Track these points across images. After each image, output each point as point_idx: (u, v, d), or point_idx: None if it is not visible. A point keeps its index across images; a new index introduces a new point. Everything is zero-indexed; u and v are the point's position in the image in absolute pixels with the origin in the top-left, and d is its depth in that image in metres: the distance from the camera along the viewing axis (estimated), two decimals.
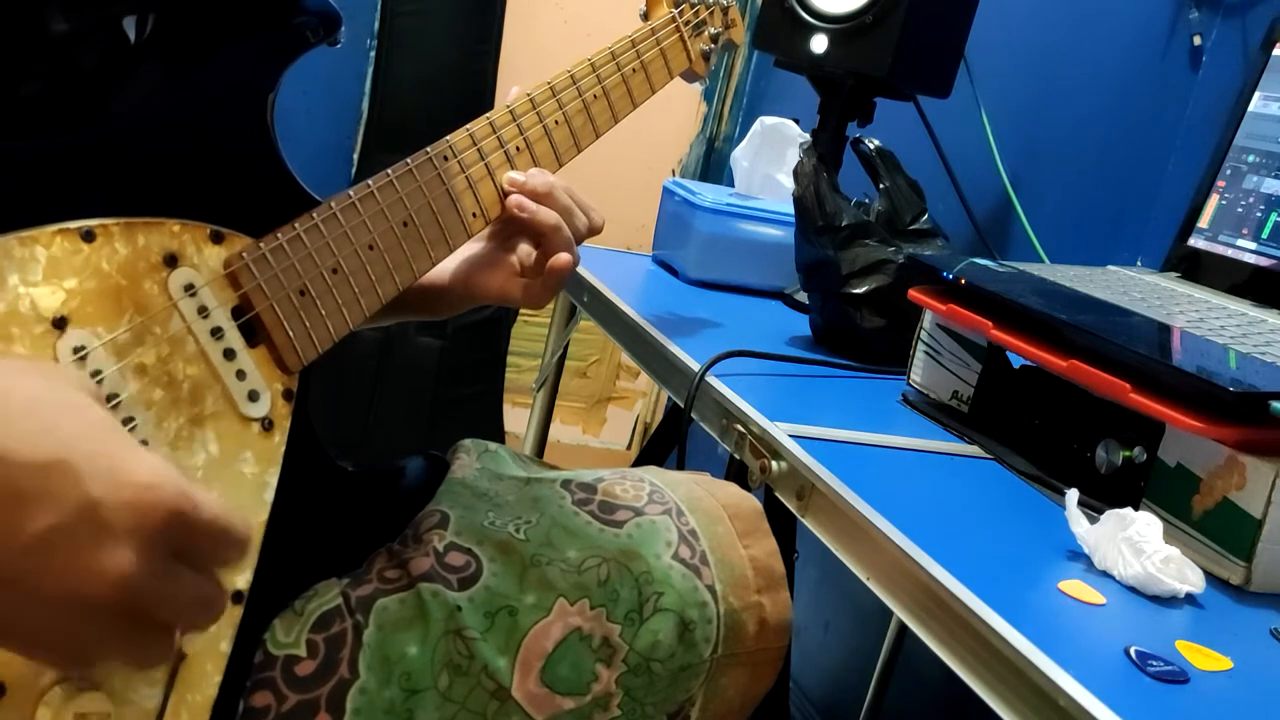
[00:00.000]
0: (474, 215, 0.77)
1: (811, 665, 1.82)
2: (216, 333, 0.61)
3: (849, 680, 1.73)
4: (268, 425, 0.63)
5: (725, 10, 1.07)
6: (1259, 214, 1.01)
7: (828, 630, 1.80)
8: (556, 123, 0.84)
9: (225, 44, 0.63)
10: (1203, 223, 1.05)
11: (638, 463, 1.60)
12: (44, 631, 0.43)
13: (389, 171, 0.71)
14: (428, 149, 0.74)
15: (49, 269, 0.54)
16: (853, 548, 0.75)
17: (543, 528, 0.73)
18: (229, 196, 0.62)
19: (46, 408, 0.43)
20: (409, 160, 0.72)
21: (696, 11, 1.03)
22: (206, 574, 0.46)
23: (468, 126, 0.78)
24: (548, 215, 0.79)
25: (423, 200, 0.72)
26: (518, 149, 0.80)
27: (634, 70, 0.93)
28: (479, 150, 0.77)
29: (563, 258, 0.79)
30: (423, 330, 2.06)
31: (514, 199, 0.79)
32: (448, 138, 0.76)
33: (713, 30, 1.05)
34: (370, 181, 0.69)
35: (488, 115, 0.79)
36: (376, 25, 1.94)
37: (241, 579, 0.61)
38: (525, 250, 0.81)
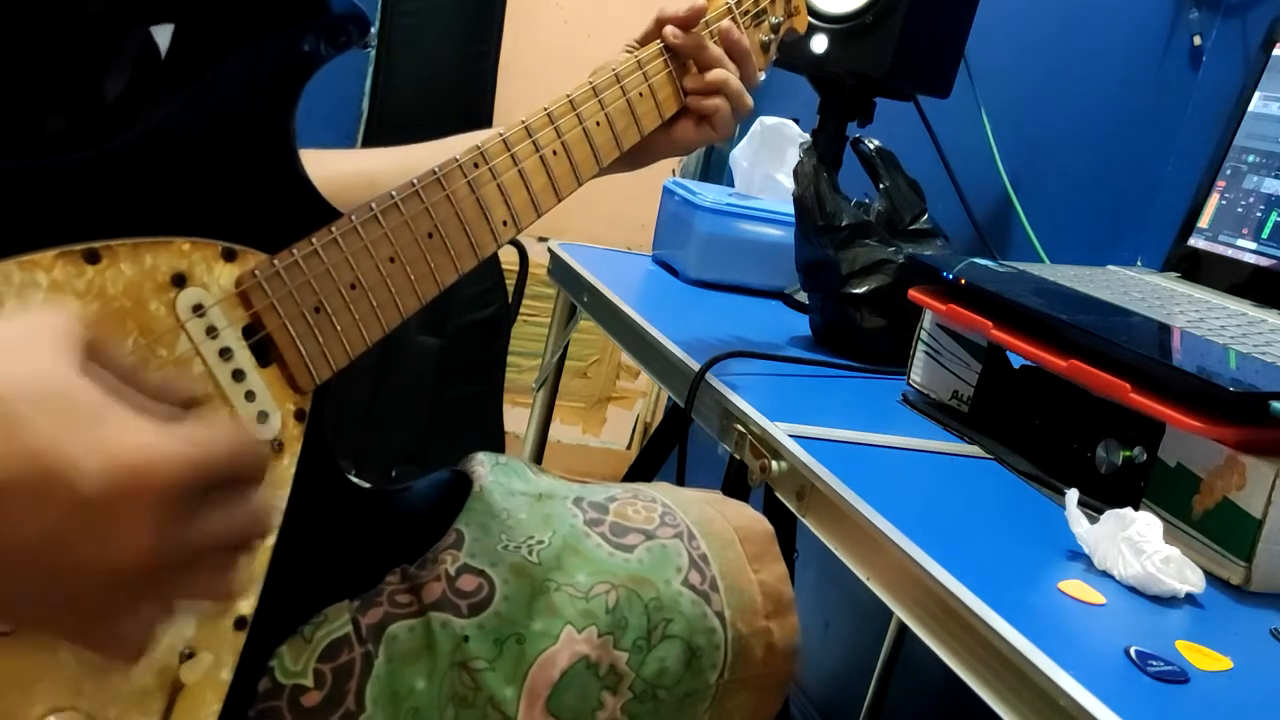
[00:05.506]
0: (504, 224, 0.73)
1: (811, 665, 1.82)
2: (225, 353, 0.58)
3: (849, 680, 1.73)
4: (277, 447, 0.61)
5: None
6: (1259, 214, 1.01)
7: (828, 630, 1.80)
8: (598, 124, 0.80)
9: (245, 56, 0.60)
10: (1203, 223, 1.05)
11: (637, 462, 1.60)
12: (96, 606, 0.43)
13: (414, 180, 0.66)
14: (457, 156, 0.69)
15: (50, 293, 0.52)
16: (853, 548, 0.75)
17: (554, 548, 0.72)
18: (245, 212, 0.59)
19: (10, 412, 0.41)
20: (436, 169, 0.68)
21: (756, 0, 0.96)
22: (236, 503, 0.46)
23: (499, 130, 0.73)
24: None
25: (449, 211, 0.68)
26: (554, 153, 0.76)
27: (684, 66, 0.88)
28: (513, 156, 0.73)
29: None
30: (422, 330, 2.06)
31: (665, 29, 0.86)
32: (479, 143, 0.71)
33: (773, 20, 0.97)
34: (394, 192, 0.65)
35: (523, 120, 0.74)
36: (376, 25, 1.94)
37: (245, 604, 0.59)
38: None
